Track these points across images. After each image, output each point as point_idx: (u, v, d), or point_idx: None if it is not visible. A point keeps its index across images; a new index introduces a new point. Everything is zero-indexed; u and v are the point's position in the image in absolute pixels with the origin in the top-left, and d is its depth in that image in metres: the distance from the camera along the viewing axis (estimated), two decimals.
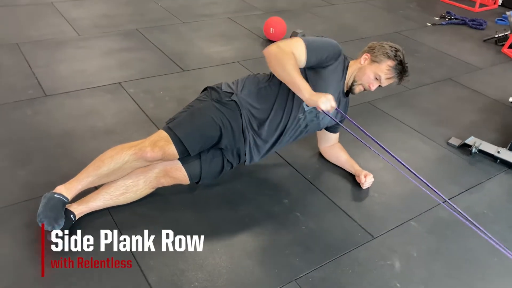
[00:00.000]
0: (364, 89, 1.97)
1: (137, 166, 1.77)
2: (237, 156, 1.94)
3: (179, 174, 1.86)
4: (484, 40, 4.25)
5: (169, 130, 1.78)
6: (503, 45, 4.11)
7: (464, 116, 2.88)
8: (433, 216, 1.98)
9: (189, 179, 1.88)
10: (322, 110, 1.70)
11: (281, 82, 1.88)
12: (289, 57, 1.77)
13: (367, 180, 2.08)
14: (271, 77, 1.96)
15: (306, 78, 1.88)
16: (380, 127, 2.61)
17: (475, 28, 4.58)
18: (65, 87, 2.65)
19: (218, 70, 3.12)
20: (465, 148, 2.48)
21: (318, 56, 1.85)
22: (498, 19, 4.92)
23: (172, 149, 1.75)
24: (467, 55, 3.85)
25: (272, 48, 1.81)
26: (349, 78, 1.98)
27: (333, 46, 1.90)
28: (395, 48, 1.93)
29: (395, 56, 1.91)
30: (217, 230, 1.79)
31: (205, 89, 1.99)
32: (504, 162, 2.38)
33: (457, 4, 5.30)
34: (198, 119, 1.81)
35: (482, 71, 3.59)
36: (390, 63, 1.91)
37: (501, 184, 2.26)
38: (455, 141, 2.53)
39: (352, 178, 2.16)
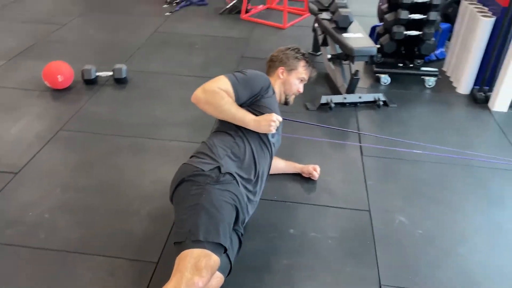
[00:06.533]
0: (294, 94, 2.08)
1: None
2: (242, 224, 1.77)
3: (216, 281, 1.57)
4: (220, 13, 4.73)
5: (199, 243, 1.43)
6: (237, 12, 4.69)
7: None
8: (372, 164, 2.38)
9: (224, 276, 1.61)
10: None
11: (243, 131, 1.79)
12: (219, 96, 1.71)
13: (318, 172, 2.25)
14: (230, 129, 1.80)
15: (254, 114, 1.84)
16: None
17: (201, 5, 5.00)
18: None
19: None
20: (322, 107, 2.94)
21: (250, 89, 1.82)
22: None
23: (215, 259, 1.44)
24: (227, 31, 4.26)
25: (198, 94, 1.72)
26: (280, 95, 2.02)
27: (262, 76, 1.90)
28: (295, 48, 2.09)
29: (301, 54, 2.07)
30: None
31: (183, 181, 1.63)
32: (351, 103, 2.97)
33: None
34: (217, 212, 1.52)
35: (248, 40, 4.07)
36: (303, 63, 2.06)
37: (369, 119, 2.86)
38: (311, 105, 2.95)
39: (299, 178, 2.28)
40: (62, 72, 2.95)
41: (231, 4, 4.71)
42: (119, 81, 3.15)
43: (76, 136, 2.57)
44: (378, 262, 1.80)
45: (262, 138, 1.83)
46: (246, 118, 1.76)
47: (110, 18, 4.51)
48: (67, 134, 2.57)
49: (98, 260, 1.77)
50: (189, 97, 1.73)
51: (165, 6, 4.90)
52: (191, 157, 1.77)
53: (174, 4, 4.90)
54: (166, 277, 1.41)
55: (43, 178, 2.22)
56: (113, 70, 3.12)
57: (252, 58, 3.65)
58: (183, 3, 4.92)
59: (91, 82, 3.11)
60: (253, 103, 1.84)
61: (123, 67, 3.14)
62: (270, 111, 1.86)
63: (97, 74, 3.13)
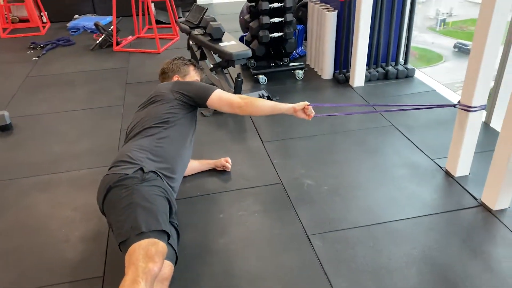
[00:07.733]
0: None
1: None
2: (175, 215, 1.91)
3: (168, 269, 1.68)
4: (91, 49, 4.74)
5: (143, 234, 1.54)
6: (108, 45, 4.76)
7: None
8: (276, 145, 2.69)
9: (173, 265, 1.73)
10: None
11: (168, 131, 1.94)
12: (251, 99, 2.05)
13: (230, 163, 2.48)
14: (152, 132, 1.93)
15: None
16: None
17: (68, 45, 4.95)
18: None
19: None
20: (217, 112, 3.19)
21: None
22: (72, 32, 5.41)
23: (162, 244, 1.56)
24: (103, 64, 4.31)
25: (238, 101, 2.01)
26: None
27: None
28: (180, 57, 2.36)
29: (188, 60, 2.34)
30: None
31: (110, 188, 1.70)
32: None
33: (23, 35, 5.35)
34: (151, 205, 1.64)
35: (127, 69, 4.19)
36: (192, 67, 2.33)
37: None
38: (207, 112, 3.19)
39: (215, 172, 2.49)
40: None
41: (100, 39, 4.76)
42: (4, 129, 3.01)
43: None
44: (300, 219, 2.09)
45: (185, 138, 2.01)
46: (285, 108, 2.05)
47: None
48: None
49: None
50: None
51: (29, 52, 4.74)
52: (110, 168, 1.84)
53: (39, 49, 4.77)
54: (116, 285, 1.44)
55: None
56: None
57: (137, 83, 3.77)
58: (49, 46, 4.81)
59: None
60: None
61: (5, 113, 3.02)
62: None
63: None
